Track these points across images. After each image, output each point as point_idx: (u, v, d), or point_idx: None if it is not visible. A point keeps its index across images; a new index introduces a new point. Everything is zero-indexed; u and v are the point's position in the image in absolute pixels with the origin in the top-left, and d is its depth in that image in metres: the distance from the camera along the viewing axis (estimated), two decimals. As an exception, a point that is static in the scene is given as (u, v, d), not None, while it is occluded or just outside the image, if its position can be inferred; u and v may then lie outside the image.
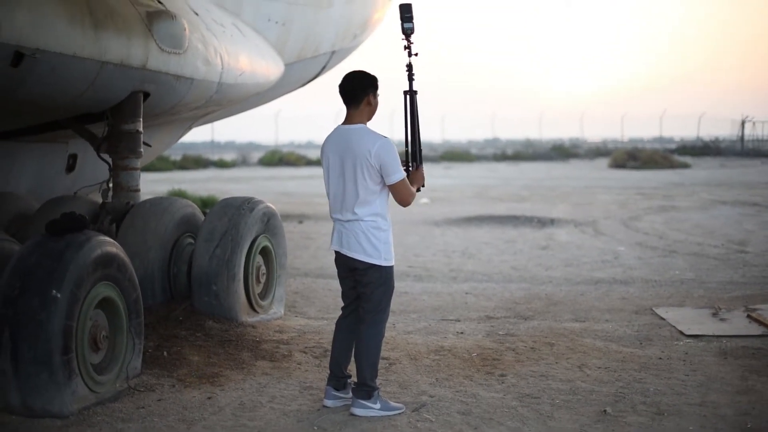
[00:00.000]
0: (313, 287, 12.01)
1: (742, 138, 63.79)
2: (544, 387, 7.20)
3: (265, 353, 8.07)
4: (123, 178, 9.26)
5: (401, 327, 9.43)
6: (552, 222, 19.94)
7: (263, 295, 9.47)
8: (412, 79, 6.96)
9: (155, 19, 8.78)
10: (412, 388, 7.14)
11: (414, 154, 6.91)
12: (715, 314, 9.97)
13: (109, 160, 9.37)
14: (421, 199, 25.40)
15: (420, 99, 6.89)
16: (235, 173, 44.11)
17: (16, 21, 7.07)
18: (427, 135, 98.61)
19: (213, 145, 74.94)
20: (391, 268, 6.55)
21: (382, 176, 6.41)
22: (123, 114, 9.03)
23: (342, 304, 6.82)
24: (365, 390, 6.48)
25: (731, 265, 13.72)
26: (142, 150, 9.32)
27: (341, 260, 6.59)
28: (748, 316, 9.75)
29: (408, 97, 6.91)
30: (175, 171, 44.86)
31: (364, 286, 6.52)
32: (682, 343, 8.75)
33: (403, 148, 6.96)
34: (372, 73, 6.65)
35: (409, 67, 6.94)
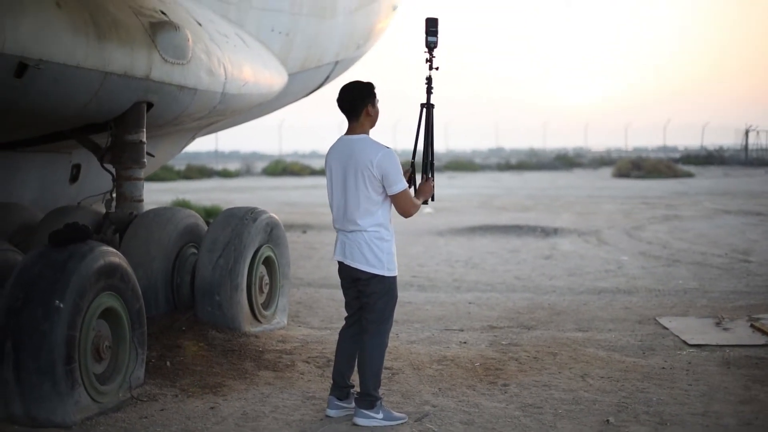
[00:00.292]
0: (316, 297, 12.01)
1: (746, 147, 63.80)
2: (547, 397, 7.19)
3: (268, 363, 8.07)
4: (126, 189, 9.28)
5: (404, 337, 9.43)
6: (556, 231, 19.94)
7: (266, 305, 9.47)
8: (431, 93, 6.97)
9: (158, 29, 8.80)
10: (414, 398, 7.14)
11: (426, 167, 6.91)
12: (718, 324, 9.96)
13: (113, 170, 9.38)
14: (425, 209, 25.41)
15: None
16: (239, 183, 44.15)
17: (19, 32, 7.09)
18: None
19: (217, 154, 74.99)
20: (394, 278, 6.56)
21: (384, 187, 6.42)
22: (126, 124, 9.05)
23: (345, 314, 6.83)
24: (368, 400, 6.48)
25: (735, 274, 13.71)
26: (145, 160, 9.34)
27: (344, 270, 6.60)
28: (752, 326, 9.74)
29: (425, 110, 6.93)
30: (179, 181, 44.92)
31: (368, 297, 6.52)
32: (685, 352, 8.74)
33: (409, 159, 6.97)
34: (368, 81, 6.67)
35: (429, 80, 6.95)
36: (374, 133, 6.67)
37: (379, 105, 6.69)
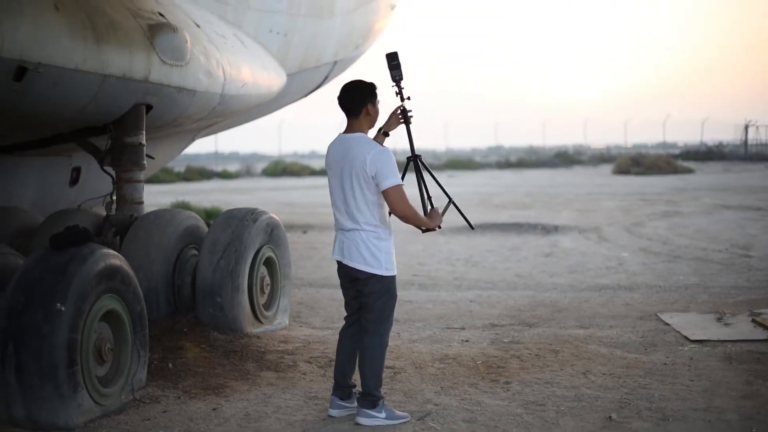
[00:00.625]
0: (318, 297, 12.02)
1: (745, 142, 63.78)
2: (549, 394, 7.20)
3: (269, 364, 8.08)
4: (126, 191, 9.28)
5: (406, 336, 9.43)
6: (556, 229, 19.94)
7: (268, 306, 9.47)
8: (410, 122, 6.97)
9: (157, 31, 8.81)
10: (417, 397, 7.15)
11: (424, 202, 6.91)
12: (719, 319, 9.97)
13: (113, 172, 9.39)
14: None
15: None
16: (239, 184, 44.15)
17: (18, 35, 7.10)
18: (430, 143, 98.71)
19: (217, 156, 74.99)
20: (393, 277, 6.55)
21: (377, 184, 6.41)
22: (126, 127, 9.05)
23: (345, 314, 6.84)
24: (370, 399, 6.48)
25: (735, 269, 13.72)
26: (145, 162, 9.34)
27: (343, 270, 6.60)
28: (753, 321, 9.74)
29: (414, 161, 6.99)
30: (179, 182, 44.92)
31: (366, 296, 6.52)
32: (686, 348, 8.75)
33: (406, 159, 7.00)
34: (370, 81, 6.67)
35: (404, 110, 6.95)
36: (374, 132, 6.69)
37: (380, 105, 6.69)
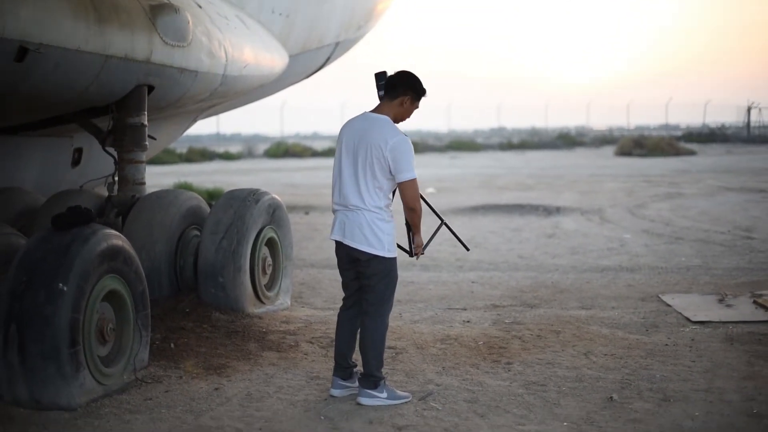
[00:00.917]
0: (319, 278, 12.03)
1: (748, 124, 63.67)
2: (551, 374, 7.21)
3: (271, 344, 8.09)
4: (128, 172, 9.28)
5: (408, 316, 9.45)
6: (558, 210, 19.94)
7: (269, 287, 9.49)
8: None
9: (159, 12, 8.79)
10: (418, 377, 7.16)
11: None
12: (721, 300, 9.98)
13: (115, 153, 9.39)
14: (427, 188, 25.43)
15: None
16: (241, 165, 44.12)
17: (20, 16, 7.08)
18: (432, 125, 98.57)
19: (219, 137, 74.98)
20: (394, 259, 6.55)
21: (392, 172, 6.40)
22: (128, 107, 9.05)
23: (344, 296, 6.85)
24: (372, 380, 6.50)
25: (737, 251, 13.72)
26: (147, 143, 9.34)
27: (343, 250, 6.59)
28: (755, 302, 9.75)
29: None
30: (181, 164, 44.87)
31: (368, 278, 6.52)
32: (688, 329, 8.76)
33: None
34: (423, 85, 6.68)
35: None
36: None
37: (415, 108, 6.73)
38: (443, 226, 7.24)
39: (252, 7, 11.93)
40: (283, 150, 55.21)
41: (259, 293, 9.18)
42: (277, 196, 9.61)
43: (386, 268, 6.51)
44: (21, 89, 7.72)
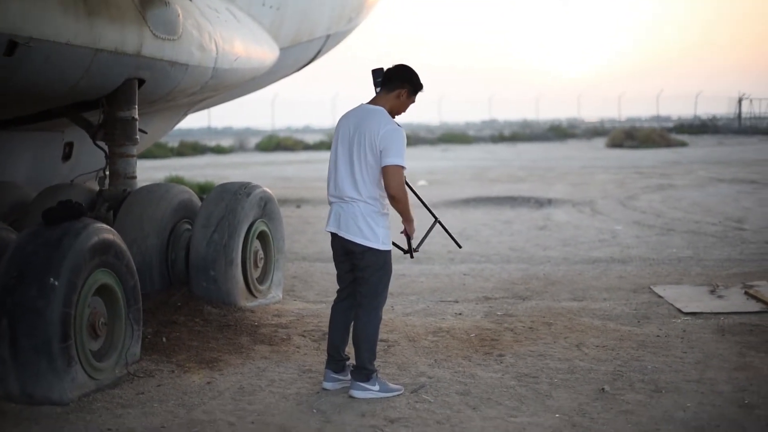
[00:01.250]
0: (311, 271, 12.03)
1: (739, 116, 63.74)
2: (543, 366, 7.22)
3: (263, 337, 8.09)
4: (119, 166, 9.27)
5: (400, 309, 9.45)
6: (550, 202, 19.96)
7: (261, 280, 9.48)
8: None
9: (149, 5, 8.77)
10: (410, 370, 7.17)
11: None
12: (712, 291, 10.00)
13: (106, 147, 9.37)
14: (419, 181, 25.42)
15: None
16: (233, 159, 44.08)
17: (9, 10, 7.06)
18: (424, 117, 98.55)
19: (210, 131, 74.91)
20: (388, 252, 6.56)
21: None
22: (118, 101, 9.03)
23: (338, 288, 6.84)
24: (364, 373, 6.50)
25: (729, 242, 13.75)
26: (138, 137, 9.32)
27: (338, 242, 6.59)
28: (746, 293, 9.77)
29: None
30: (173, 158, 44.81)
31: (362, 270, 6.52)
32: (679, 320, 8.77)
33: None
34: (420, 79, 6.69)
35: None
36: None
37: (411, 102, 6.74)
38: (437, 224, 7.23)
39: (242, -1, 11.91)
40: (274, 143, 55.16)
41: (251, 287, 9.18)
42: (268, 190, 9.61)
43: (380, 260, 6.50)
44: (11, 83, 7.70)
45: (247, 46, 11.21)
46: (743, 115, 63.85)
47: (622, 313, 9.11)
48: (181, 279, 9.10)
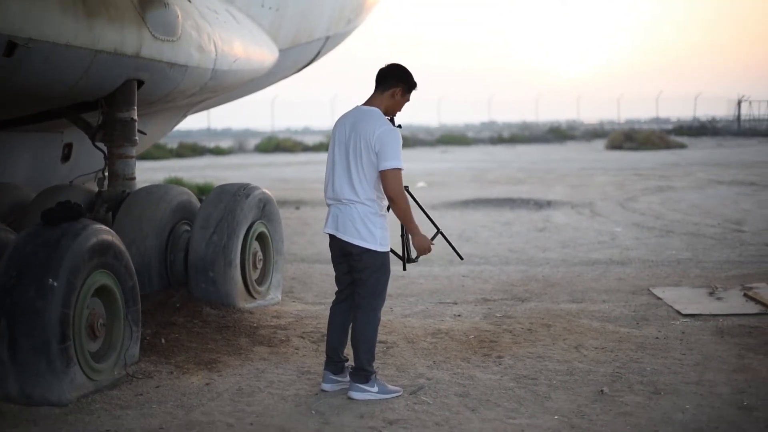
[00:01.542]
0: (310, 273, 12.02)
1: (738, 118, 63.77)
2: (541, 368, 7.22)
3: (262, 339, 8.09)
4: (118, 167, 9.26)
5: (399, 310, 9.45)
6: (549, 204, 19.96)
7: (260, 281, 9.48)
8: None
9: (148, 6, 8.77)
10: (409, 371, 7.16)
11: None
12: (711, 293, 9.99)
13: (105, 148, 9.36)
14: (418, 183, 25.42)
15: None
16: (232, 160, 44.09)
17: (8, 11, 7.06)
18: (423, 119, 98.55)
19: (209, 132, 74.75)
20: (387, 253, 6.55)
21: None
22: (117, 102, 9.03)
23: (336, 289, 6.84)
24: (363, 374, 6.49)
25: (728, 244, 13.74)
26: (137, 138, 9.32)
27: (336, 244, 6.59)
28: (745, 295, 9.77)
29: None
30: (172, 159, 44.81)
31: (360, 272, 6.52)
32: (678, 322, 8.77)
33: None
34: (414, 78, 6.69)
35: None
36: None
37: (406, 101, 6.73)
38: (438, 234, 7.25)
39: (242, 1, 11.91)
40: (273, 145, 55.15)
41: (250, 288, 9.17)
42: (267, 191, 9.60)
43: (378, 262, 6.50)
44: (10, 84, 7.70)
45: (247, 47, 11.21)
46: (742, 117, 63.89)
47: (621, 314, 9.11)
48: (180, 280, 9.10)
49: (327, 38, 15.35)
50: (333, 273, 6.85)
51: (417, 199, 7.16)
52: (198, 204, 9.48)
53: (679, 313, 9.13)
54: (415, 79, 6.69)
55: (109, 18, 8.19)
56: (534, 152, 46.95)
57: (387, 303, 7.05)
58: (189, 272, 8.91)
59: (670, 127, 68.69)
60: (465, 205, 20.01)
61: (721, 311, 9.14)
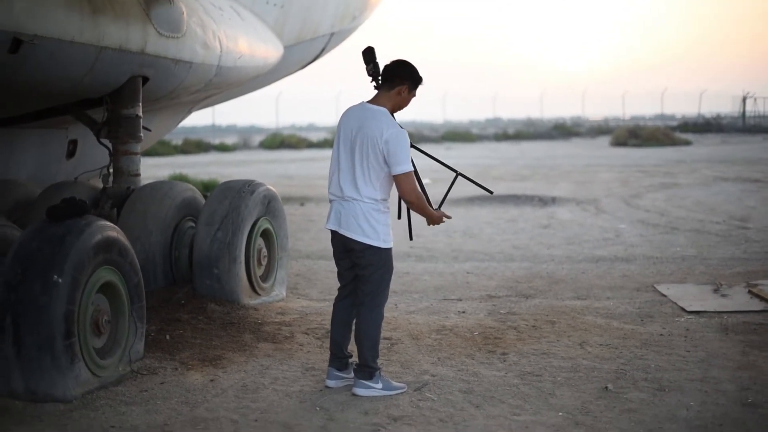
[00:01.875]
0: (315, 269, 12.02)
1: (743, 114, 63.67)
2: (546, 365, 7.22)
3: (267, 335, 8.09)
4: (123, 163, 9.27)
5: (403, 307, 9.45)
6: (553, 201, 19.95)
7: (265, 278, 9.48)
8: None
9: (153, 3, 8.78)
10: (414, 368, 7.17)
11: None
12: (716, 290, 9.99)
13: (109, 145, 9.37)
14: (423, 180, 25.36)
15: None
16: (237, 157, 44.06)
17: (14, 7, 7.07)
18: (428, 115, 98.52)
19: (214, 128, 74.79)
20: (389, 250, 6.56)
21: (387, 164, 6.40)
22: (122, 99, 9.04)
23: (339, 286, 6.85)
24: (367, 371, 6.50)
25: (733, 241, 13.74)
26: (142, 135, 9.33)
27: (338, 240, 6.59)
28: (750, 292, 9.77)
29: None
30: (177, 155, 44.79)
31: (363, 268, 6.52)
32: (683, 319, 8.77)
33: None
34: (420, 73, 6.67)
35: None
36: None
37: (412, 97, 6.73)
38: (458, 177, 7.25)
39: (246, -3, 11.91)
40: (278, 141, 55.09)
41: (255, 284, 9.18)
42: (272, 187, 9.61)
43: (381, 258, 6.51)
44: (15, 81, 7.71)
45: (251, 43, 11.21)
46: (747, 114, 63.77)
47: (626, 311, 9.10)
48: (184, 277, 9.11)
49: (332, 35, 15.34)
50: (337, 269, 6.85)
51: (428, 153, 7.14)
52: (203, 200, 9.48)
53: (683, 310, 9.13)
54: (420, 75, 6.68)
55: (114, 14, 8.19)
56: (538, 149, 46.91)
57: (391, 299, 7.06)
58: (193, 269, 8.92)
59: (674, 123, 68.57)
60: (469, 202, 19.99)
61: (725, 308, 9.13)
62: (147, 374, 6.91)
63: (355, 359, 6.72)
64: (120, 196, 9.16)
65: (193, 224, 9.28)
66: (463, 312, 9.22)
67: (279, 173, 30.63)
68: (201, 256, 8.86)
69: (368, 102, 6.60)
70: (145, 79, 9.10)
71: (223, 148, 51.29)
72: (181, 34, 9.14)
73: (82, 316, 6.39)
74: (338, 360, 6.72)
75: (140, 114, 9.19)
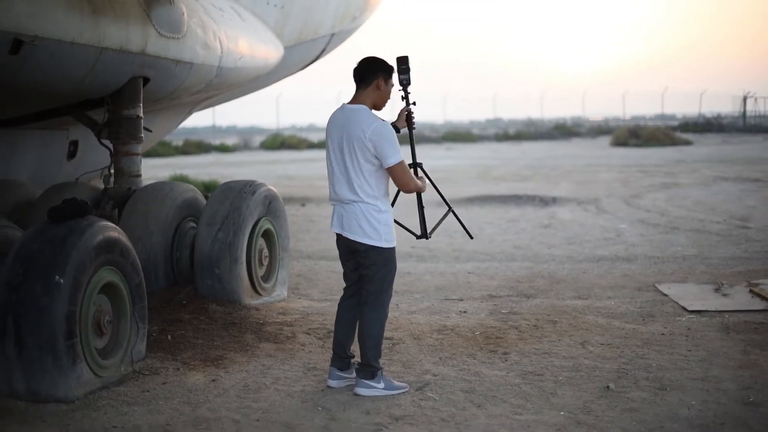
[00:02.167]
0: (316, 269, 12.03)
1: (744, 114, 63.65)
2: (547, 364, 7.22)
3: (268, 335, 8.09)
4: (124, 164, 9.28)
5: (405, 307, 9.46)
6: (554, 201, 19.95)
7: (266, 278, 9.49)
8: (413, 128, 7.16)
9: (153, 3, 8.78)
10: (415, 368, 7.17)
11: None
12: (717, 290, 9.99)
13: (110, 146, 9.38)
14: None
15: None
16: (237, 157, 44.06)
17: (14, 8, 7.08)
18: (428, 116, 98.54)
19: (214, 129, 74.82)
20: (392, 249, 6.57)
21: (378, 159, 6.42)
22: (123, 99, 9.04)
23: (344, 286, 6.85)
24: (369, 370, 6.50)
25: (733, 240, 13.73)
26: (142, 135, 9.34)
27: (342, 242, 6.61)
28: (751, 291, 9.77)
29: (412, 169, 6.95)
30: (177, 156, 44.79)
31: (366, 268, 6.54)
32: (684, 318, 8.77)
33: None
34: (386, 60, 6.70)
35: (409, 114, 7.09)
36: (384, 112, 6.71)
37: (391, 86, 6.74)
38: (450, 213, 7.33)
39: (247, -2, 11.91)
40: (279, 142, 55.09)
41: (256, 285, 9.18)
42: (273, 188, 9.61)
43: (384, 258, 6.52)
44: (16, 82, 7.71)
45: (252, 44, 11.22)
46: (748, 114, 63.76)
47: (627, 311, 9.11)
48: (186, 277, 9.12)
49: (332, 35, 15.35)
50: (339, 270, 6.88)
51: (431, 178, 7.19)
52: (203, 201, 9.48)
53: (684, 309, 9.13)
54: (390, 63, 6.71)
55: (114, 15, 8.20)
56: (539, 149, 46.90)
57: (393, 299, 7.05)
58: (195, 269, 8.92)
59: (675, 123, 68.53)
60: (470, 202, 20.00)
61: (726, 307, 9.13)
62: (149, 374, 6.91)
63: (357, 359, 6.72)
64: (121, 197, 9.17)
65: (195, 225, 9.28)
66: (465, 312, 9.22)
67: (279, 174, 30.63)
68: (202, 257, 8.86)
69: (348, 103, 6.63)
70: (146, 80, 9.10)
71: (223, 149, 51.29)
72: (181, 34, 9.15)
73: (83, 316, 6.40)
74: (340, 360, 6.73)
75: (141, 115, 9.19)
